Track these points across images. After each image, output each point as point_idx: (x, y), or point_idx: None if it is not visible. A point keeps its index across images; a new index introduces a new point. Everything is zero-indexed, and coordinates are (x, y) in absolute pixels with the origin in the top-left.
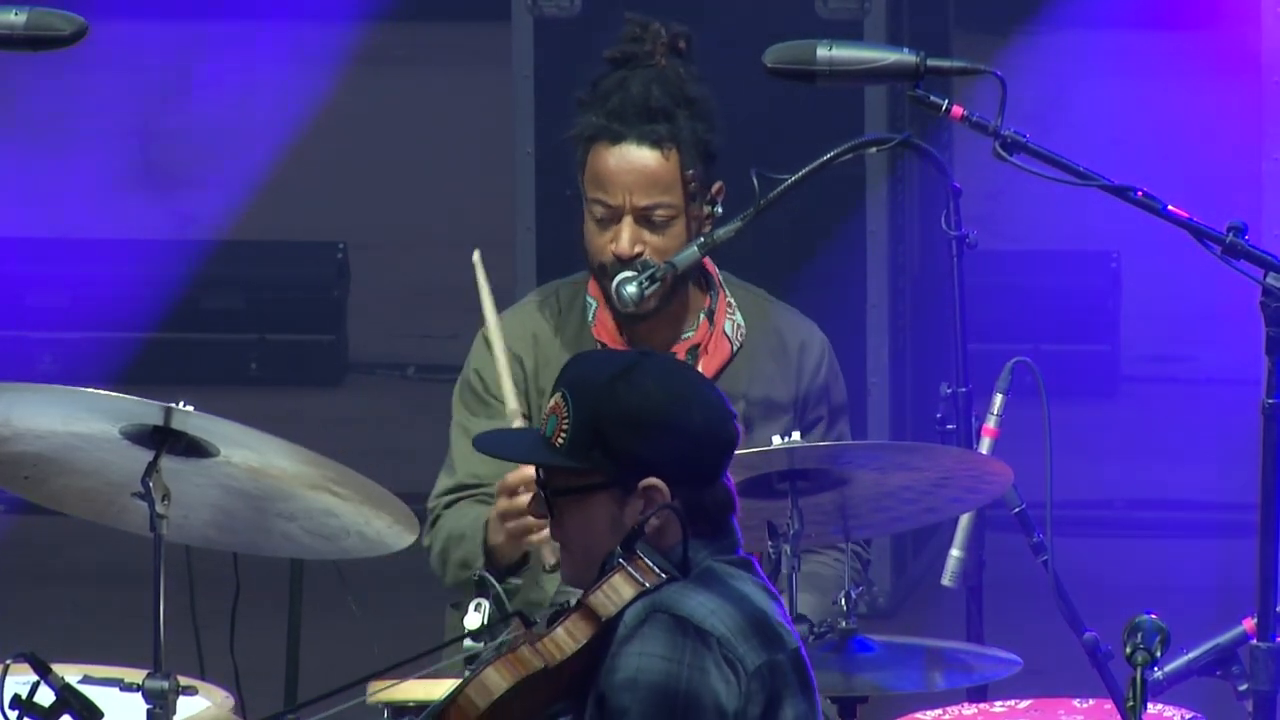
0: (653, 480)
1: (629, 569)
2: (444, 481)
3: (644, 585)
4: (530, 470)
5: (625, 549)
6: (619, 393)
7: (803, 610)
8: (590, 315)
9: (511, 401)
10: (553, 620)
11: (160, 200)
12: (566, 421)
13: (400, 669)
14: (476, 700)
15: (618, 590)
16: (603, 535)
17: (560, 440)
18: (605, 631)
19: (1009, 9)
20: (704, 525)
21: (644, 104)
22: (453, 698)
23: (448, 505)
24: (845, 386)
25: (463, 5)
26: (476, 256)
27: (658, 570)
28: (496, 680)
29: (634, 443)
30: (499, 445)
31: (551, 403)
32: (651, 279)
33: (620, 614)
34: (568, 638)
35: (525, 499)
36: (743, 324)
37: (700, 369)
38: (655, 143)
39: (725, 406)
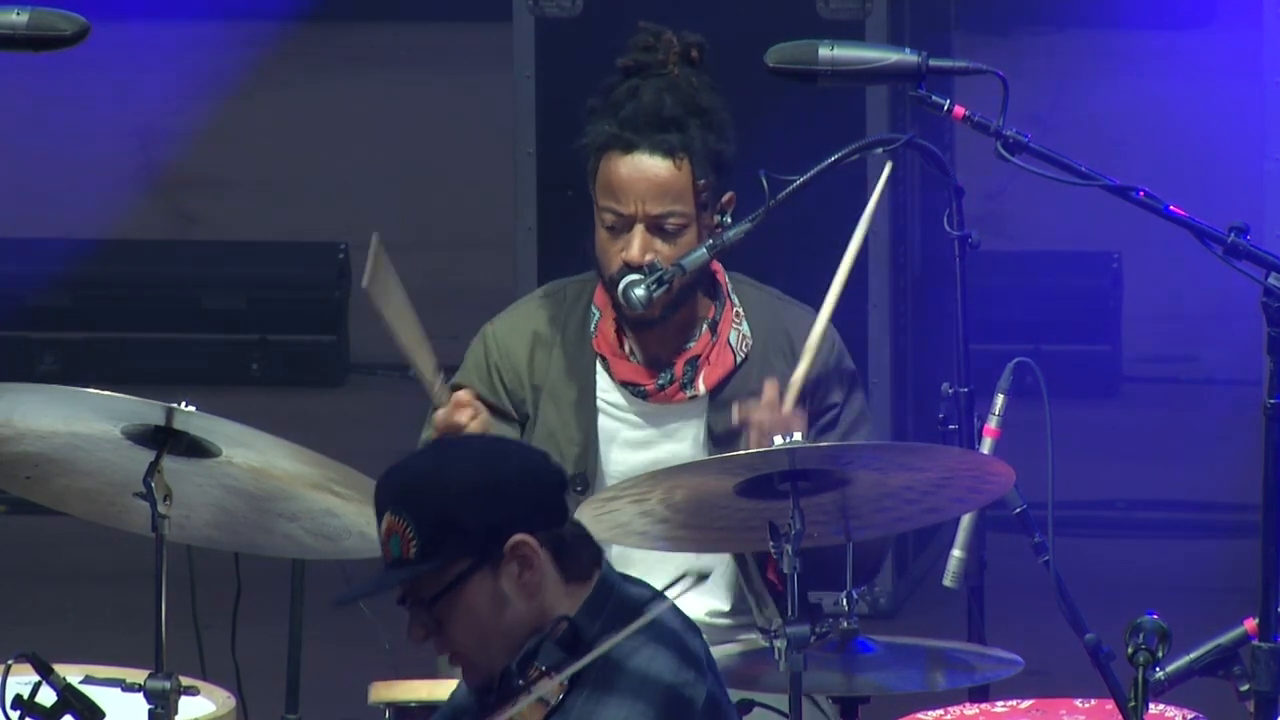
0: (517, 536)
1: (532, 693)
2: None
3: (552, 704)
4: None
5: (520, 670)
6: (444, 477)
7: None
8: (592, 325)
9: (429, 374)
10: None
11: (161, 200)
12: (410, 530)
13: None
14: None
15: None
16: (491, 619)
17: (411, 551)
18: None
19: (1011, 9)
20: (571, 565)
21: (656, 113)
22: None
23: None
24: (853, 362)
25: (464, 5)
26: (375, 238)
27: (562, 674)
28: None
29: (483, 511)
30: (354, 592)
31: (384, 527)
32: (659, 281)
33: None
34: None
35: (466, 416)
36: (749, 334)
37: (701, 381)
38: (668, 152)
39: (536, 450)
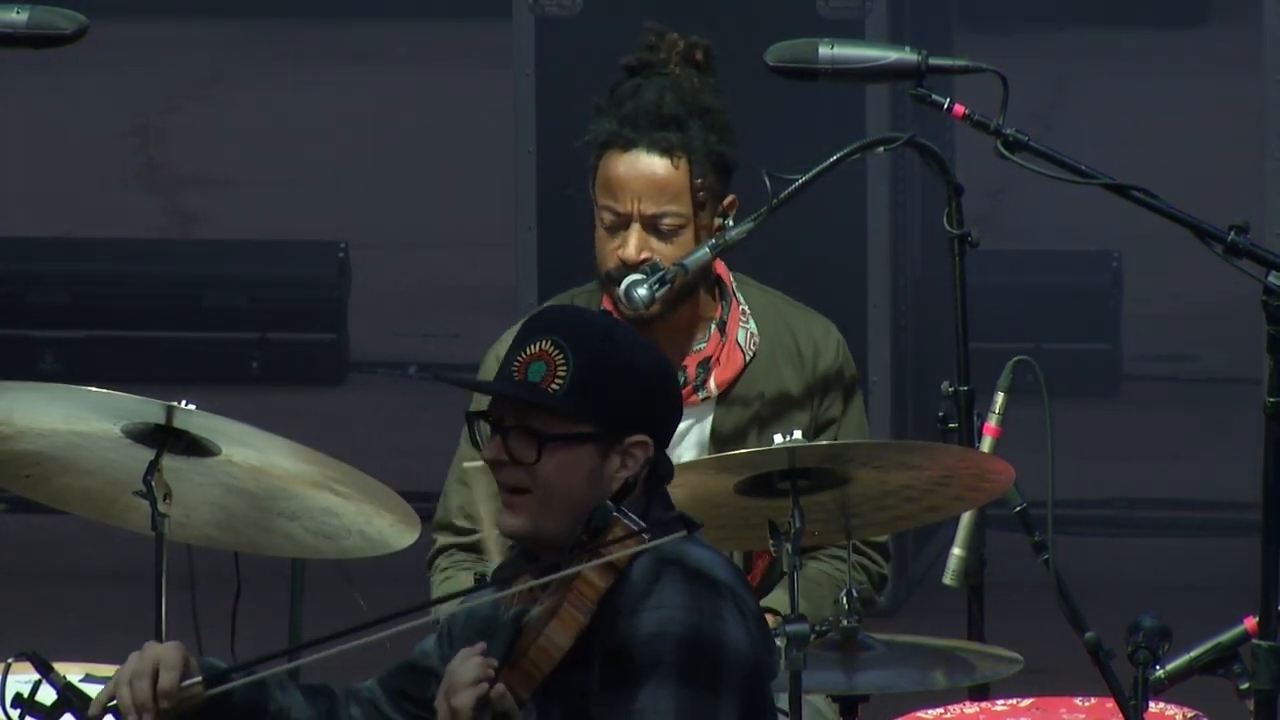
0: (642, 437)
1: (627, 523)
2: (439, 514)
3: (644, 539)
4: None
5: (615, 504)
6: (617, 350)
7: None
8: None
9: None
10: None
11: (161, 200)
12: (564, 369)
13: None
14: (553, 654)
15: (626, 544)
16: (580, 485)
17: (555, 385)
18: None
19: (1011, 8)
20: (658, 486)
21: (656, 111)
22: (523, 651)
23: (441, 554)
24: (855, 368)
25: (464, 4)
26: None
27: (645, 528)
28: (563, 637)
29: (633, 397)
30: (458, 380)
31: (536, 348)
32: (661, 281)
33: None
34: (598, 580)
35: None
36: (756, 333)
37: (713, 381)
38: (665, 151)
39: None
